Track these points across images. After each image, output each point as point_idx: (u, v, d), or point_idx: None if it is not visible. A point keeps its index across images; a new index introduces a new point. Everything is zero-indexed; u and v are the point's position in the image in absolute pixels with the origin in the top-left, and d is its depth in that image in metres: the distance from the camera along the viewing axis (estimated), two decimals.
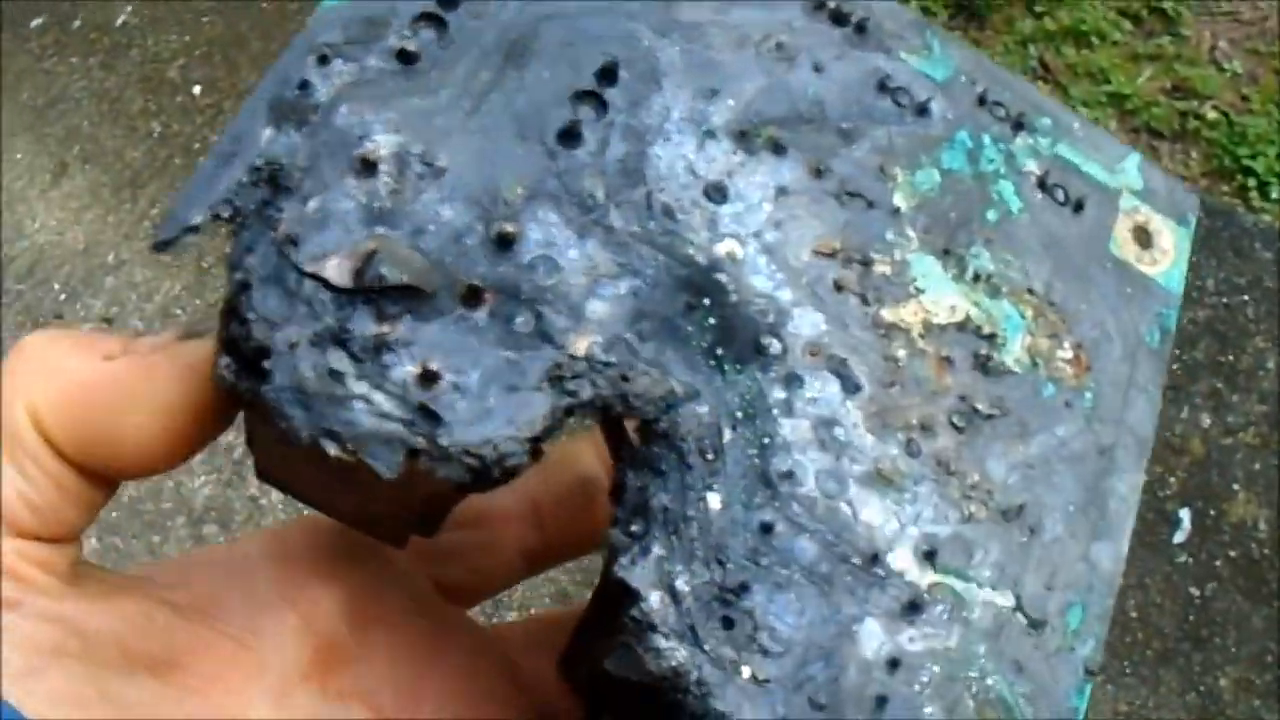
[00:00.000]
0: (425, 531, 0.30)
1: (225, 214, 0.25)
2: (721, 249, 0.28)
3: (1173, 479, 0.75)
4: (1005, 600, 0.28)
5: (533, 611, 0.81)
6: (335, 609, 0.29)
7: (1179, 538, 0.75)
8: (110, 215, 1.01)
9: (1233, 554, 0.74)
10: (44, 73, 1.08)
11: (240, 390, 0.24)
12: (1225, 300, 0.81)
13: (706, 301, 0.27)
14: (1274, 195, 1.07)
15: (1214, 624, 0.71)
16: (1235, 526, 0.74)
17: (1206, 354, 0.79)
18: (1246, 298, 0.81)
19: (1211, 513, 0.74)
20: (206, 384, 0.25)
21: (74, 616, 0.25)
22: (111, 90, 1.07)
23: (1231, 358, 0.79)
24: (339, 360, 0.25)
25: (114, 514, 0.87)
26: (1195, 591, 0.75)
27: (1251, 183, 1.09)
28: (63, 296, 0.99)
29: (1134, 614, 0.76)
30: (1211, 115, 1.23)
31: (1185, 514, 0.74)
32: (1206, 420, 0.77)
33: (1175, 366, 0.80)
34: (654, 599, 0.25)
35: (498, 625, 0.32)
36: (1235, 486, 0.75)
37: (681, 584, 0.26)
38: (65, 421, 0.24)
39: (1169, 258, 0.32)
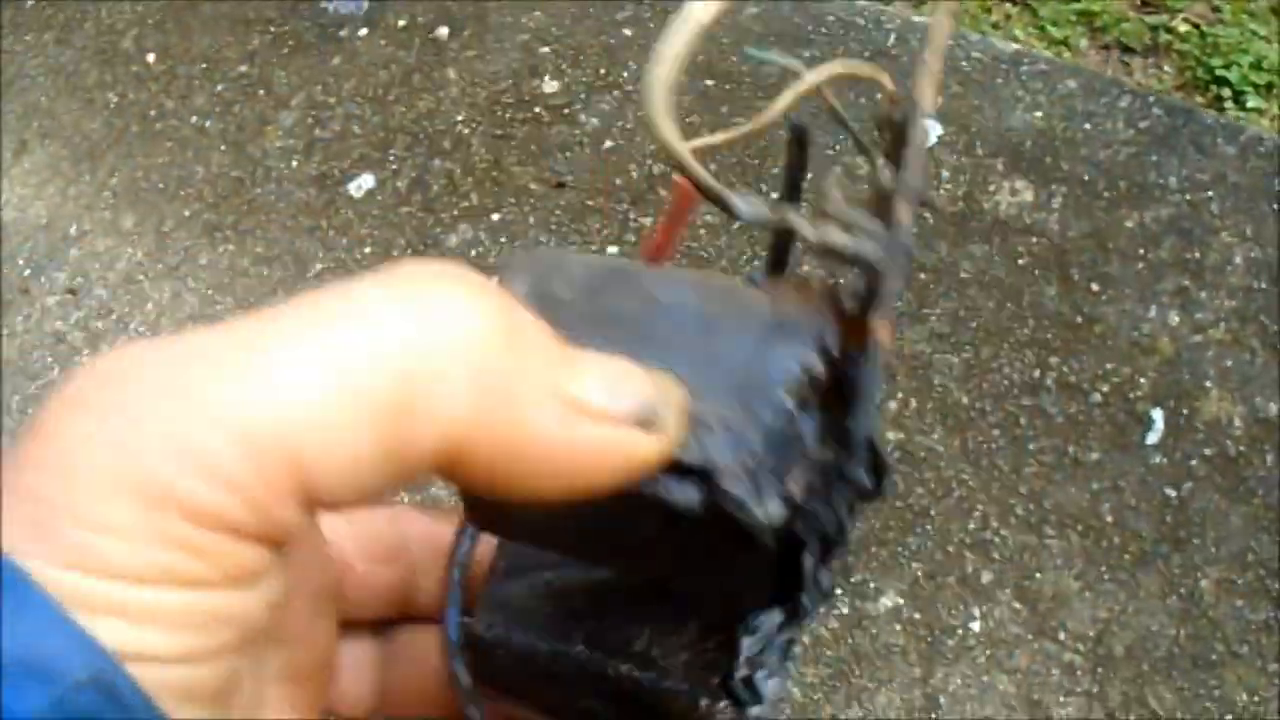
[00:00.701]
0: None
1: None
2: None
3: (1143, 379, 0.71)
4: None
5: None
6: None
7: (1152, 439, 0.71)
8: (70, 188, 0.98)
9: (1208, 452, 0.70)
10: (1, 52, 1.04)
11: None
12: (1188, 197, 0.76)
13: None
14: (1250, 104, 1.03)
15: (1192, 525, 0.67)
16: (1209, 425, 0.70)
17: (1171, 252, 0.75)
18: (1211, 194, 0.77)
19: (1184, 412, 0.71)
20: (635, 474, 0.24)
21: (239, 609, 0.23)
22: (67, 64, 1.03)
23: (1198, 254, 0.75)
24: None
25: None
26: (1171, 493, 0.71)
27: (1226, 93, 1.05)
28: (27, 271, 0.95)
29: (1109, 518, 0.72)
30: (1183, 28, 1.19)
31: (1158, 414, 0.70)
32: (1175, 318, 0.73)
33: (1140, 266, 0.76)
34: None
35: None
36: (1207, 384, 0.71)
37: None
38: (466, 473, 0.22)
39: None
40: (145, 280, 0.94)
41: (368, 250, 0.90)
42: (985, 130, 0.82)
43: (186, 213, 0.95)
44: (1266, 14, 1.19)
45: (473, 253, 0.87)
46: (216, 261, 0.93)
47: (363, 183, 0.92)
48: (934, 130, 0.84)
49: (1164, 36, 1.16)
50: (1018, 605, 0.70)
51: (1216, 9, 1.21)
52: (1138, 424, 0.73)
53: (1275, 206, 0.77)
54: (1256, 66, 1.11)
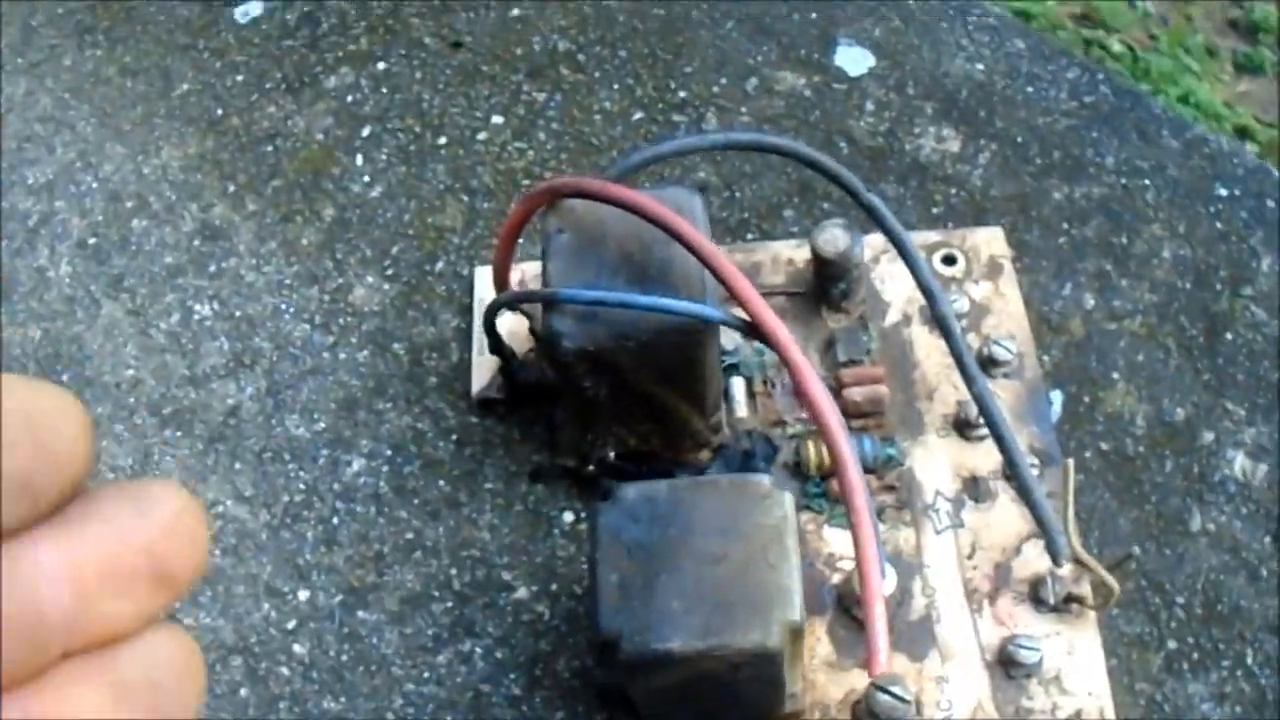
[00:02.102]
0: None
1: None
2: None
3: (1046, 357, 0.58)
4: None
5: None
6: None
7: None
8: None
9: (1104, 447, 0.58)
10: None
11: None
12: (1124, 181, 0.65)
13: None
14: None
15: (1077, 519, 0.54)
16: (1110, 418, 0.59)
17: (1097, 233, 0.64)
18: (1148, 182, 0.65)
19: (1085, 399, 0.59)
20: None
21: None
22: None
23: (1125, 240, 0.63)
24: None
25: None
26: None
27: None
28: None
29: None
30: (1117, 48, 1.06)
31: (1056, 396, 0.58)
32: (1090, 301, 0.61)
33: (1061, 240, 0.64)
34: None
35: None
36: (1114, 375, 0.59)
37: None
38: None
39: None
40: (1, 73, 0.79)
41: (239, 78, 0.76)
42: (920, 71, 0.69)
43: (60, 10, 0.81)
44: (1201, 51, 1.08)
45: (349, 99, 0.73)
46: (80, 65, 0.79)
47: (250, 9, 0.79)
48: (865, 60, 0.71)
49: (1097, 51, 1.04)
50: None
51: (1154, 37, 1.09)
52: None
53: (1211, 210, 0.65)
54: (1183, 100, 1.00)
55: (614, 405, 0.54)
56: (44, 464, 0.19)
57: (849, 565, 0.55)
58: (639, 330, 0.50)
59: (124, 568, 0.21)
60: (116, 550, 0.21)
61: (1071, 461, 0.55)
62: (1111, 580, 0.52)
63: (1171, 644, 0.56)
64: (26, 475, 0.19)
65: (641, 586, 0.45)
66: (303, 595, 0.60)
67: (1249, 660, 0.56)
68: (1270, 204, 0.66)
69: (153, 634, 0.22)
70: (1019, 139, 0.68)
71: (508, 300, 0.56)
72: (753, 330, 0.49)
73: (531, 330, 0.60)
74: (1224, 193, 0.66)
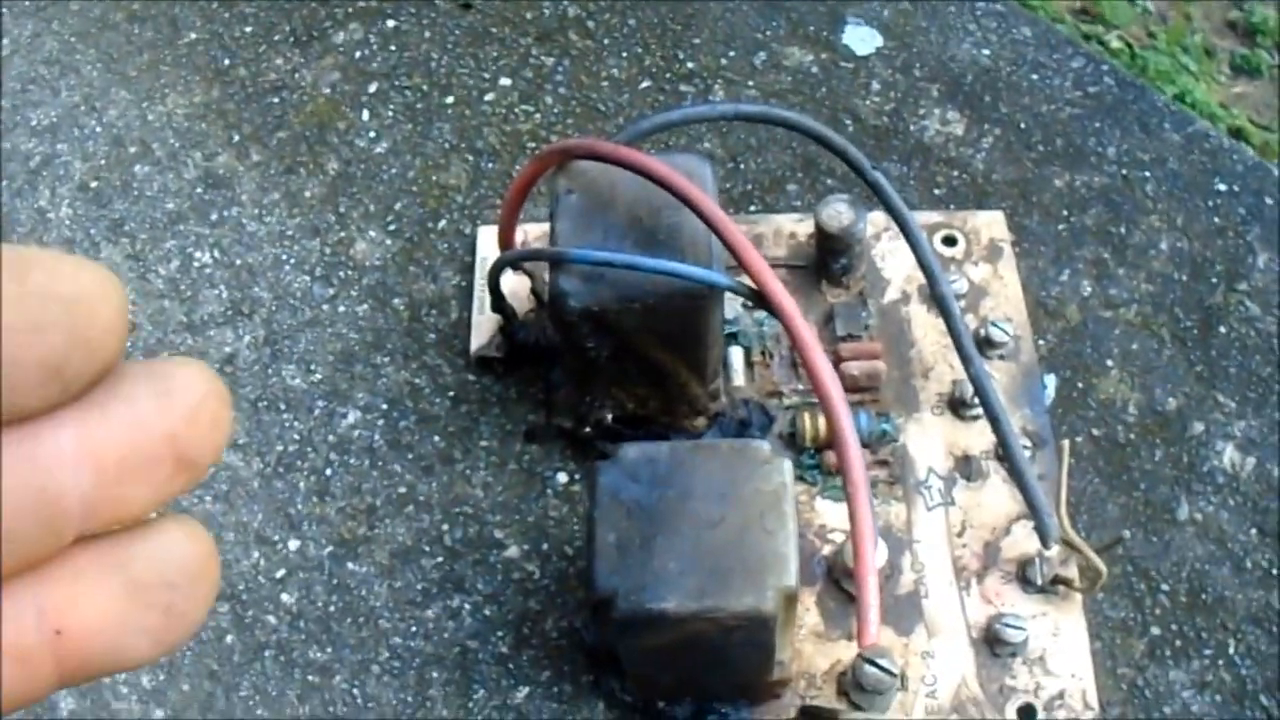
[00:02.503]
0: None
1: None
2: None
3: (1042, 342, 0.58)
4: None
5: None
6: None
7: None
8: None
9: (1096, 432, 0.58)
10: None
11: None
12: (1125, 172, 0.64)
13: None
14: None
15: (1067, 504, 0.54)
16: (1103, 404, 0.59)
17: (1096, 221, 0.64)
18: (1148, 174, 0.64)
19: (1079, 385, 0.59)
20: None
21: None
22: None
23: (1123, 230, 0.63)
24: None
25: None
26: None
27: None
28: None
29: None
30: (1115, 44, 1.06)
31: (1051, 380, 0.58)
32: (1087, 288, 0.61)
33: (1061, 227, 0.63)
34: None
35: None
36: (1109, 363, 0.59)
37: None
38: None
39: None
40: (6, 13, 0.78)
41: (248, 30, 0.75)
42: (927, 54, 0.69)
43: None
44: (1199, 51, 1.07)
45: (358, 54, 0.72)
46: (88, 9, 0.78)
47: None
48: (873, 40, 0.70)
49: (1095, 47, 1.03)
50: None
51: (1152, 34, 1.09)
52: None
53: (1210, 204, 0.64)
54: (1180, 99, 0.99)
55: (614, 368, 0.54)
56: (78, 350, 0.18)
57: (840, 537, 0.55)
58: (645, 293, 0.50)
59: (145, 453, 0.20)
60: (138, 435, 0.19)
61: (1068, 443, 0.54)
62: (1100, 562, 0.52)
63: (1155, 630, 0.56)
64: (59, 361, 0.18)
65: (638, 546, 0.45)
66: (293, 545, 0.59)
67: (1231, 650, 0.56)
68: (1268, 201, 0.66)
69: (170, 529, 0.21)
70: (1022, 125, 0.68)
71: (516, 257, 0.56)
72: (759, 299, 0.48)
73: (533, 291, 0.60)
74: (1223, 188, 0.66)
